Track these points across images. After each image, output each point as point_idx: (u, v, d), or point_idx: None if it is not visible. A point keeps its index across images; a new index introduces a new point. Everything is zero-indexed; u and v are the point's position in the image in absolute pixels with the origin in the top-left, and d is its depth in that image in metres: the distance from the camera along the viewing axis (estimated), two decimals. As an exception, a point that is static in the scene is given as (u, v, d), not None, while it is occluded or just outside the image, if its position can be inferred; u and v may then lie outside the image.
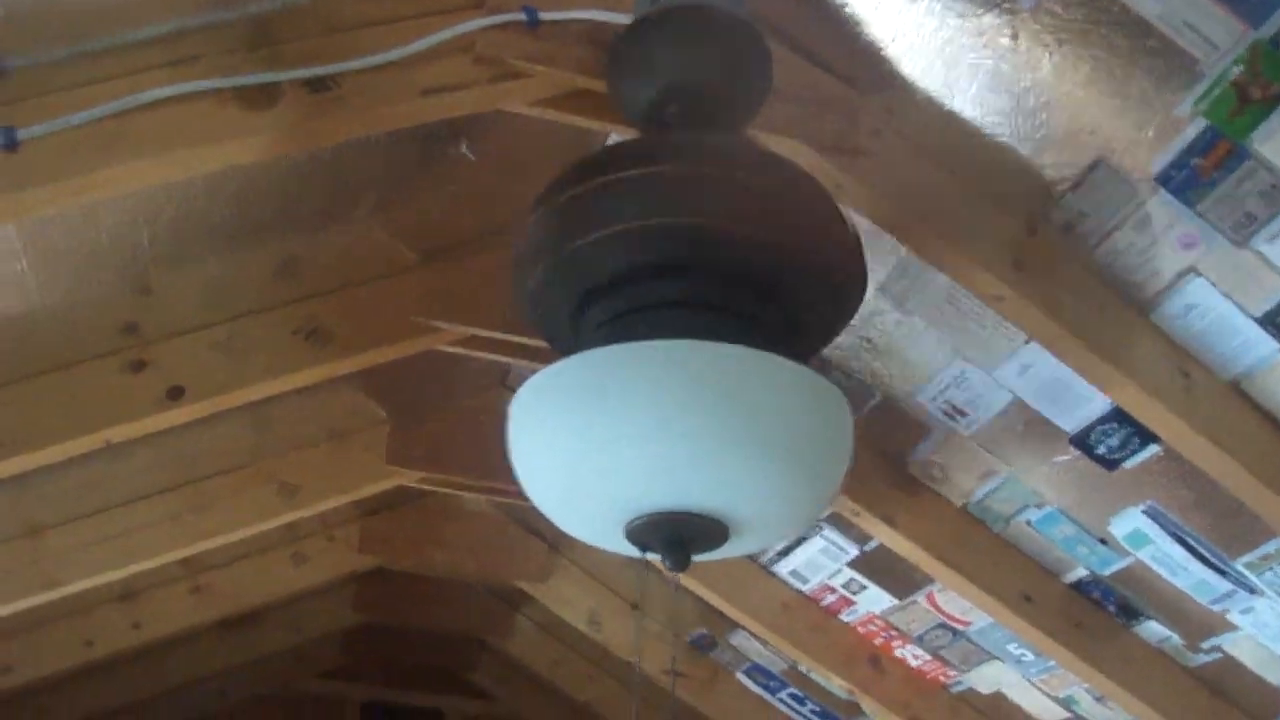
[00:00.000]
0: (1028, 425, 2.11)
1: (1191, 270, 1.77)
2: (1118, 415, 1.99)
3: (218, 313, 2.06)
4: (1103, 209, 1.78)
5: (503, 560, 3.18)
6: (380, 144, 1.96)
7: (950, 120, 1.78)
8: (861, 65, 1.78)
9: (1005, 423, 2.13)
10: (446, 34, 1.64)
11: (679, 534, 1.36)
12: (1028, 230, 1.83)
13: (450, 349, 2.31)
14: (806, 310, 1.43)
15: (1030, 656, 2.59)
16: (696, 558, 1.40)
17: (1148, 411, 1.84)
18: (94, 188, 1.49)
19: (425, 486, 2.76)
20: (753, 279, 1.38)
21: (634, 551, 1.43)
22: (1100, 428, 2.03)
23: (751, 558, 2.84)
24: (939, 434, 2.23)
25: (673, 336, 1.32)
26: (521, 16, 1.68)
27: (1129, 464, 2.07)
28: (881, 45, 1.76)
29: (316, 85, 1.57)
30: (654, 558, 1.40)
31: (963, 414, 2.14)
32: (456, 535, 3.14)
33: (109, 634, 3.00)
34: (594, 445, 1.32)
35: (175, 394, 2.02)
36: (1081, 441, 2.06)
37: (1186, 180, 1.68)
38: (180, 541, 2.49)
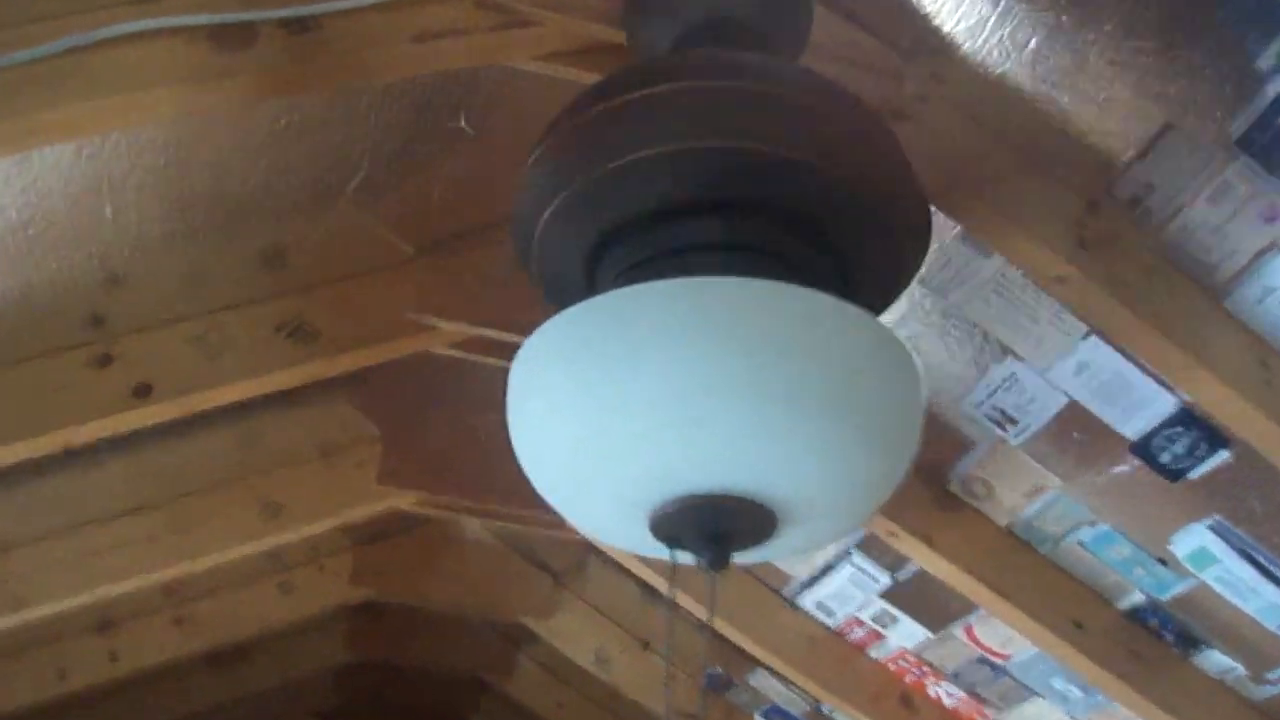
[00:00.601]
0: (1083, 432, 1.92)
1: (1274, 247, 1.59)
2: (1185, 417, 1.80)
3: (193, 305, 1.89)
4: (1173, 180, 1.60)
5: (504, 594, 2.99)
6: (373, 120, 1.79)
7: (1003, 85, 1.61)
8: (906, 27, 1.61)
9: (1059, 430, 1.94)
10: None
11: (717, 524, 1.12)
12: (1089, 205, 1.65)
13: (449, 352, 2.13)
14: (866, 262, 1.22)
15: (1077, 692, 2.38)
16: (738, 557, 1.17)
17: (1224, 407, 1.66)
18: (41, 131, 1.31)
19: (420, 510, 2.59)
20: (807, 220, 1.17)
21: (659, 550, 1.19)
22: (1165, 432, 1.83)
23: (773, 588, 2.65)
24: (984, 446, 2.04)
25: (716, 274, 1.10)
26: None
27: (1195, 473, 1.88)
28: (927, 6, 1.59)
29: (296, 26, 1.40)
30: (685, 558, 1.18)
31: (1012, 421, 1.95)
32: (455, 566, 2.95)
33: (84, 665, 2.80)
34: (613, 410, 1.09)
35: (142, 392, 1.84)
36: (1143, 449, 1.87)
37: (1271, 143, 1.50)
38: (157, 563, 2.30)
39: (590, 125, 1.17)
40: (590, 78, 1.54)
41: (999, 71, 1.61)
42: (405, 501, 2.54)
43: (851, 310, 1.10)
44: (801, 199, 1.15)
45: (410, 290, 2.02)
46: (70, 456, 2.09)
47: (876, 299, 1.26)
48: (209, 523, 2.32)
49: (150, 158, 1.70)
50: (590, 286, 1.25)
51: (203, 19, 1.36)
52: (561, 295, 1.29)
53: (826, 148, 1.14)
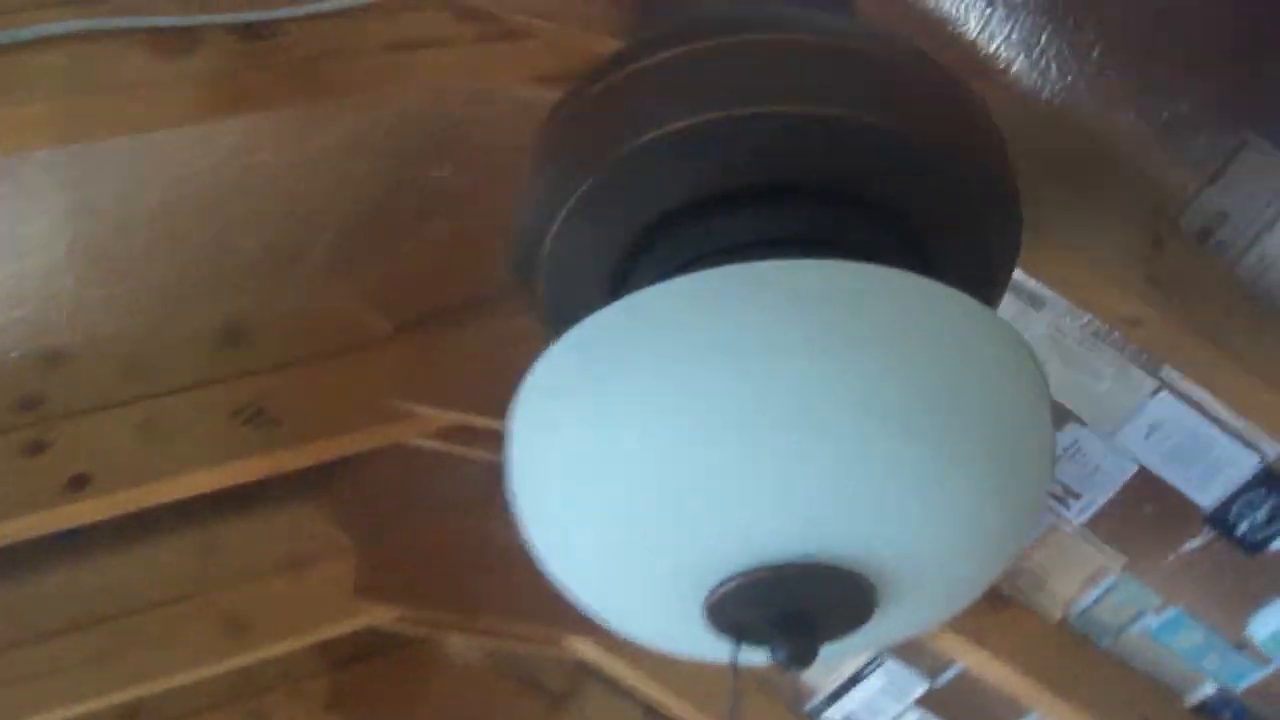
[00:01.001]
0: (1153, 503, 1.70)
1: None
2: (1266, 478, 1.59)
3: (139, 386, 1.67)
4: (1249, 205, 1.41)
5: (488, 713, 2.75)
6: (341, 172, 1.59)
7: (1056, 107, 1.43)
8: (947, 45, 1.43)
9: (1125, 502, 1.72)
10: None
11: (800, 603, 0.85)
12: (1155, 239, 1.46)
13: (429, 443, 1.91)
14: (958, 257, 1.00)
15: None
16: (828, 648, 0.91)
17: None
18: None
19: (401, 629, 2.36)
20: (893, 205, 0.95)
21: (718, 650, 0.92)
22: (1244, 497, 1.62)
23: (789, 705, 2.41)
24: (1038, 528, 1.82)
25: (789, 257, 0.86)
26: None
27: (1276, 544, 1.66)
28: (972, 24, 1.42)
29: (248, 32, 1.20)
30: (753, 656, 0.91)
31: (1075, 496, 1.73)
32: (441, 690, 2.71)
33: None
34: (654, 452, 0.82)
35: (79, 484, 1.61)
36: (1219, 518, 1.66)
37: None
38: (108, 685, 2.06)
39: (617, 92, 0.94)
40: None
41: (1051, 93, 1.43)
42: (384, 618, 2.32)
43: (981, 310, 0.85)
44: (889, 177, 0.92)
45: (385, 373, 1.82)
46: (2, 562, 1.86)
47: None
48: (164, 643, 2.08)
49: (87, 214, 1.49)
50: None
51: (140, 21, 1.16)
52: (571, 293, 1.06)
53: (914, 113, 0.92)
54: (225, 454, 1.72)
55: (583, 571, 0.93)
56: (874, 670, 2.19)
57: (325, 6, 1.23)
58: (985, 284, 1.01)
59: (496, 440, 1.79)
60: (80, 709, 2.06)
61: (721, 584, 0.86)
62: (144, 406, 1.67)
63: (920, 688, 2.19)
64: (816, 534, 0.83)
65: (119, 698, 2.10)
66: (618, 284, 1.00)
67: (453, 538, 2.26)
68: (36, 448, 1.60)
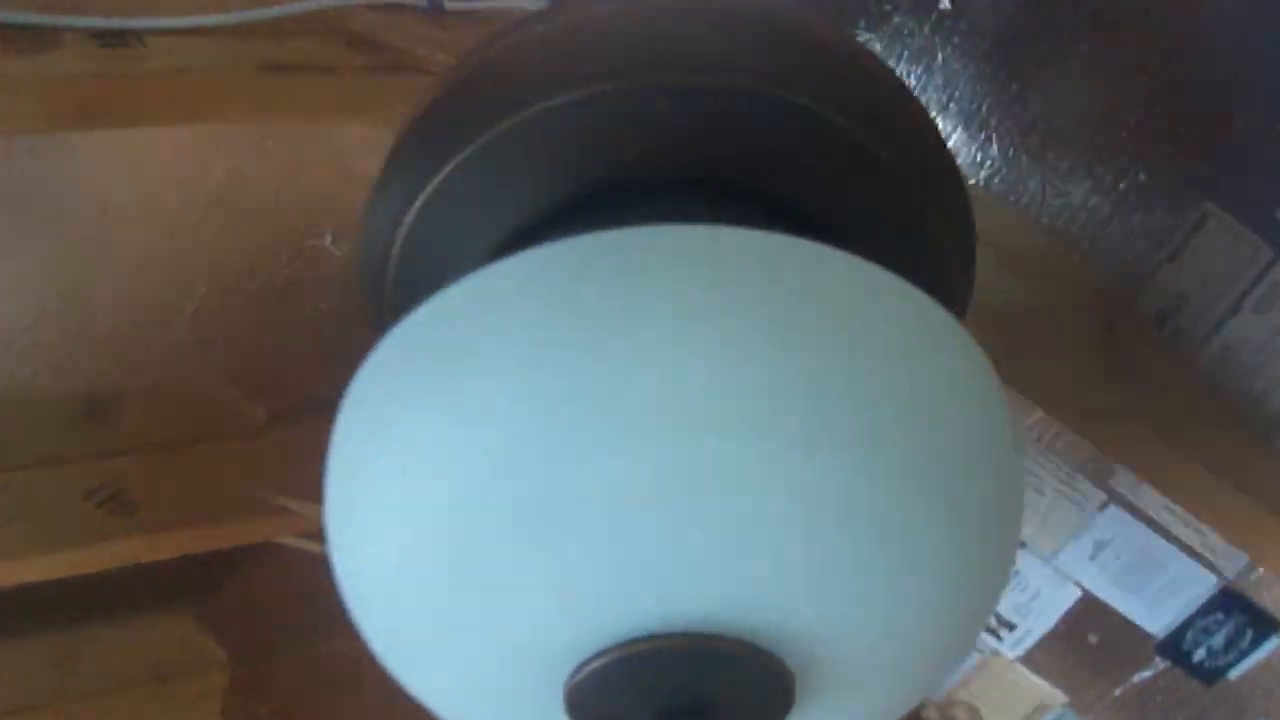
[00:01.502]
0: (1099, 633, 1.56)
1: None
2: (1225, 600, 1.46)
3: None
4: (1209, 286, 1.30)
5: None
6: (216, 231, 1.44)
7: (998, 187, 1.32)
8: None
9: (1067, 632, 1.57)
10: (299, 6, 1.15)
11: (691, 692, 0.64)
12: (1108, 329, 1.34)
13: (301, 544, 1.74)
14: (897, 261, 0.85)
15: None
16: None
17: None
18: None
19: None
20: (816, 192, 0.80)
21: None
22: (1200, 622, 1.48)
23: None
24: (971, 661, 1.67)
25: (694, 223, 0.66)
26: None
27: (1235, 672, 1.52)
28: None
29: (110, 38, 1.06)
30: None
31: (1010, 626, 1.58)
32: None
33: None
34: (489, 486, 0.62)
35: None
36: (1173, 646, 1.51)
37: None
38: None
39: (480, 72, 0.80)
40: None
41: (993, 168, 1.32)
42: (257, 744, 2.11)
43: (934, 308, 0.67)
44: (807, 166, 0.78)
45: (258, 463, 1.64)
46: None
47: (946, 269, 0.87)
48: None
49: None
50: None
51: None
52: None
53: (830, 88, 0.78)
54: (75, 538, 1.54)
55: (410, 646, 0.72)
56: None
57: (200, 22, 1.10)
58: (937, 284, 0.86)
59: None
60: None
61: (585, 662, 0.65)
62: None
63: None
64: (715, 596, 0.61)
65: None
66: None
67: (333, 663, 2.07)
68: None
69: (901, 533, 0.63)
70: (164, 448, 1.58)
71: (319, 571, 1.74)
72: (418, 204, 0.79)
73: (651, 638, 0.64)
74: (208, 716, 2.02)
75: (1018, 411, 1.42)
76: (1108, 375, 1.31)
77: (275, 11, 1.13)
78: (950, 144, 1.31)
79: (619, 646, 0.64)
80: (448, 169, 0.76)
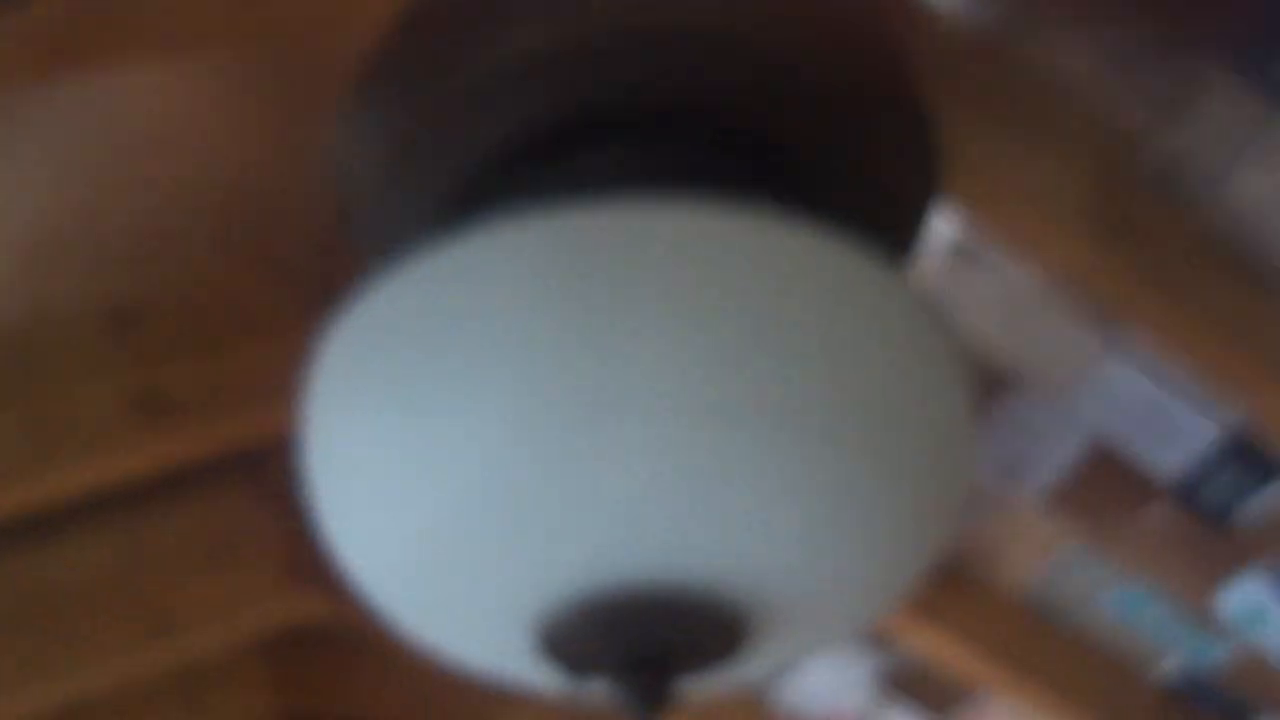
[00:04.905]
0: (1107, 475, 1.60)
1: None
2: (1229, 446, 1.49)
3: (23, 378, 1.56)
4: (1209, 146, 1.30)
5: (444, 696, 2.66)
6: (226, 141, 1.48)
7: (996, 48, 1.32)
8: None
9: (1079, 474, 1.62)
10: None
11: (654, 637, 0.72)
12: (1110, 185, 1.35)
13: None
14: (860, 194, 0.88)
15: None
16: (685, 685, 0.77)
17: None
18: None
19: (337, 612, 2.26)
20: (766, 130, 0.83)
21: (557, 677, 0.80)
22: (1205, 466, 1.52)
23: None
24: (986, 503, 1.73)
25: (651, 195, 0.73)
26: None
27: (1244, 513, 1.57)
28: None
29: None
30: (595, 687, 0.78)
31: (1020, 469, 1.63)
32: (386, 670, 2.62)
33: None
34: (468, 445, 0.67)
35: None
36: (1180, 489, 1.56)
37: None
38: (30, 690, 1.97)
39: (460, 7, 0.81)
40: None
41: (991, 34, 1.32)
42: (319, 603, 2.22)
43: (877, 269, 0.71)
44: (758, 99, 0.80)
45: (293, 351, 1.71)
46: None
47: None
48: (89, 639, 1.99)
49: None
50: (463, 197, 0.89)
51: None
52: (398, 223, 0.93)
53: (788, 25, 0.79)
54: (124, 446, 1.62)
55: (394, 584, 0.78)
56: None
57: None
58: (897, 227, 0.89)
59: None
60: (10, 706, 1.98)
61: (554, 609, 0.72)
62: (29, 400, 1.56)
63: (874, 662, 2.11)
64: (677, 553, 0.69)
65: (47, 702, 2.00)
66: (452, 220, 0.88)
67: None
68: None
69: (844, 497, 0.68)
70: (199, 347, 1.64)
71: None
72: (391, 135, 0.82)
73: (618, 590, 0.70)
74: (274, 581, 2.13)
75: (1014, 268, 1.44)
76: (1109, 233, 1.32)
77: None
78: (966, 18, 1.31)
79: (582, 597, 0.72)
80: (421, 100, 0.79)
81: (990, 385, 1.57)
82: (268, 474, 2.05)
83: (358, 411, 0.72)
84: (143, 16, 1.10)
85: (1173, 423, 1.50)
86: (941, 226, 1.42)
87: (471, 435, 0.67)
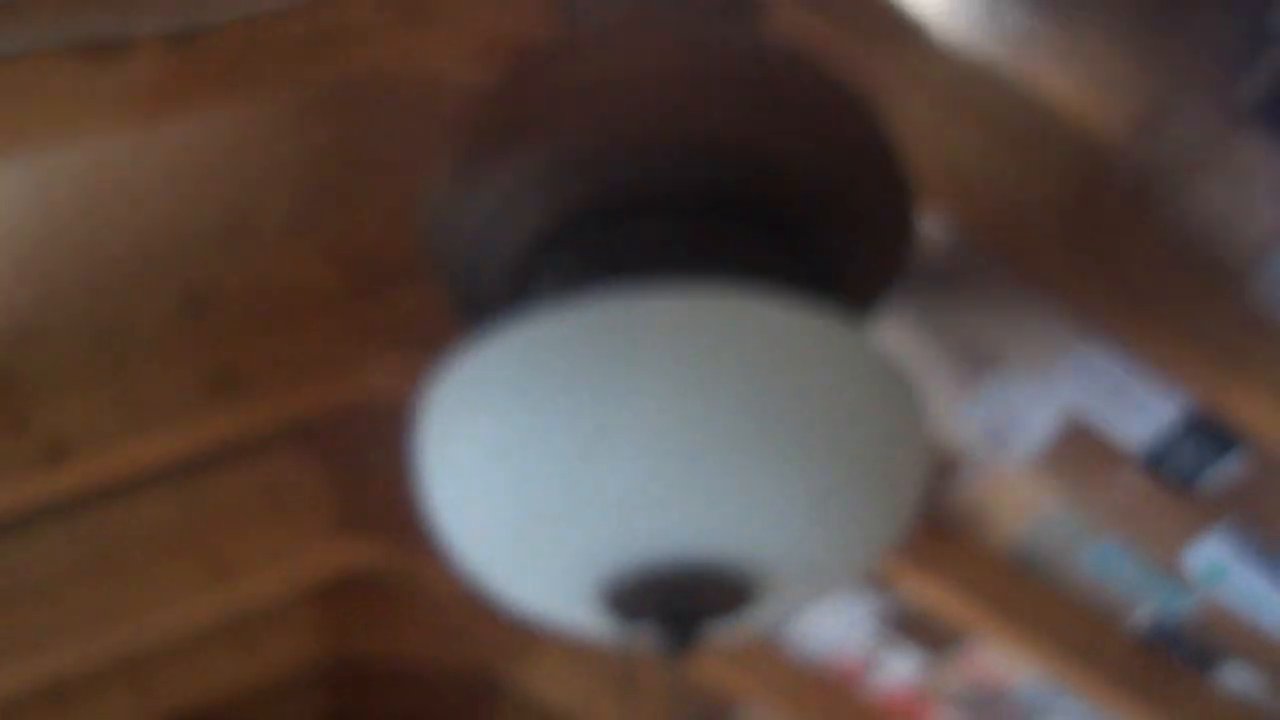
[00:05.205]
0: (1083, 444, 1.77)
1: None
2: (1192, 422, 1.66)
3: (112, 358, 1.74)
4: (1177, 160, 1.45)
5: (480, 641, 2.83)
6: (289, 148, 1.65)
7: (980, 65, 1.47)
8: (877, 12, 1.47)
9: (1056, 443, 1.79)
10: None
11: (684, 597, 0.96)
12: (1082, 194, 1.51)
13: (394, 387, 1.98)
14: (846, 262, 1.08)
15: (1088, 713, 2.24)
16: (707, 631, 1.01)
17: (1242, 409, 1.52)
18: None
19: (384, 561, 2.44)
20: (769, 214, 1.03)
21: (613, 627, 1.04)
22: (1169, 439, 1.69)
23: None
24: (973, 465, 1.90)
25: (672, 282, 0.95)
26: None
27: (1207, 479, 1.73)
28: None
29: (177, 39, 1.25)
30: (642, 635, 1.02)
31: (1004, 436, 1.80)
32: (427, 615, 2.80)
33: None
34: (554, 461, 0.92)
35: (59, 455, 1.68)
36: (1149, 457, 1.73)
37: None
38: (102, 631, 2.16)
39: (535, 100, 1.02)
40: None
41: (975, 50, 1.47)
42: (367, 552, 2.40)
43: (844, 330, 0.94)
44: (760, 190, 1.00)
45: (347, 329, 1.88)
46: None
47: (861, 306, 1.11)
48: (155, 586, 2.18)
49: (50, 201, 1.55)
50: (521, 296, 1.10)
51: (73, 33, 1.21)
52: (482, 310, 1.13)
53: (778, 128, 0.99)
54: (197, 417, 1.79)
55: (486, 558, 1.03)
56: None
57: (247, 10, 1.28)
58: (879, 278, 1.09)
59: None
60: (80, 654, 2.17)
61: (615, 577, 0.96)
62: (117, 378, 1.73)
63: (877, 604, 2.28)
64: (704, 536, 0.94)
65: (117, 641, 2.19)
66: (527, 273, 1.09)
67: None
68: (16, 422, 1.67)
69: (823, 498, 0.88)
70: (262, 329, 1.82)
71: (407, 411, 1.99)
72: (477, 204, 1.02)
73: (659, 563, 0.97)
74: (319, 535, 2.31)
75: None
76: (1081, 238, 1.48)
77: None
78: (951, 35, 1.46)
79: (637, 569, 0.97)
80: (501, 181, 0.99)
81: (979, 365, 1.74)
82: (321, 436, 2.22)
83: (467, 432, 0.93)
84: (231, 66, 1.27)
85: (1139, 400, 1.67)
86: (932, 230, 1.59)
87: (551, 454, 0.87)
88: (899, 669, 2.39)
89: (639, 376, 0.89)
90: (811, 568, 0.98)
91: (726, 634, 1.04)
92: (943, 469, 1.93)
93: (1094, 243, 1.50)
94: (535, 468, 0.93)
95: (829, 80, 1.08)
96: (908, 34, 1.47)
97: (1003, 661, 2.22)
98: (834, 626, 2.37)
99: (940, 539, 1.98)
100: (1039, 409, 1.74)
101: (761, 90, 1.00)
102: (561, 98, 1.00)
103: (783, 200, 1.01)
